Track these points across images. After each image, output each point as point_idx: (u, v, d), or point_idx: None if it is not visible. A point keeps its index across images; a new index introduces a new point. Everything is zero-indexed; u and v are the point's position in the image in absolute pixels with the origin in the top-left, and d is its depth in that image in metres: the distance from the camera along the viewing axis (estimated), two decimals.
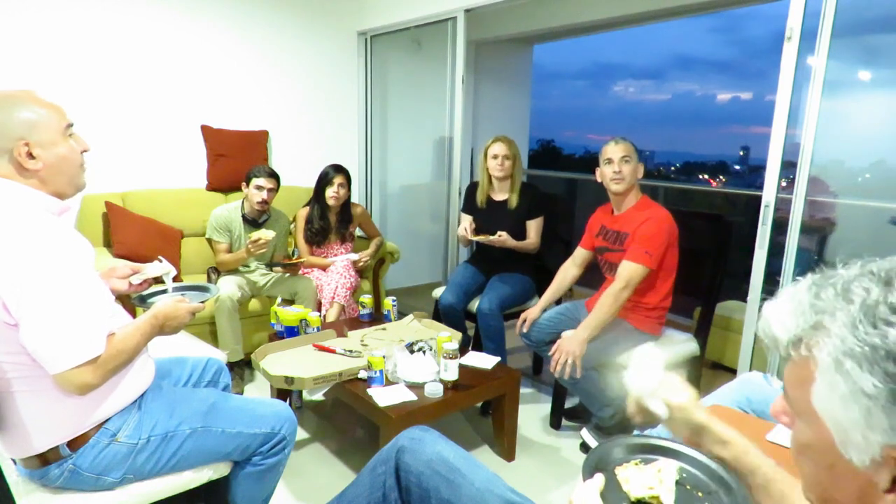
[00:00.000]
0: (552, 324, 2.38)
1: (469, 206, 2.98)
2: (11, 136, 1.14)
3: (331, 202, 3.07)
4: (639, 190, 2.29)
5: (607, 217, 2.37)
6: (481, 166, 2.87)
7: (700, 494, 0.79)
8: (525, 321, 2.42)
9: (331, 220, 3.15)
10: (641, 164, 2.26)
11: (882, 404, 0.49)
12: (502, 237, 2.67)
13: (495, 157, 2.77)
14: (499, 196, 2.88)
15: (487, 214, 2.86)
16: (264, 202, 2.89)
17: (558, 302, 2.60)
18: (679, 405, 0.89)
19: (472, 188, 2.99)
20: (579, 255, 2.50)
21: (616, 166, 2.21)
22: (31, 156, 1.16)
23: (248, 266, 3.02)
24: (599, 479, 0.74)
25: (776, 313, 0.59)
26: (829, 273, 0.58)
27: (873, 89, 2.29)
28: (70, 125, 1.23)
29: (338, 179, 3.05)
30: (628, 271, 2.13)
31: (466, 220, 2.91)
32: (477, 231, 2.80)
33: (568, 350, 2.10)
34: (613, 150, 2.23)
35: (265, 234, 2.71)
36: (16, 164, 1.15)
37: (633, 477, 0.79)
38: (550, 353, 2.17)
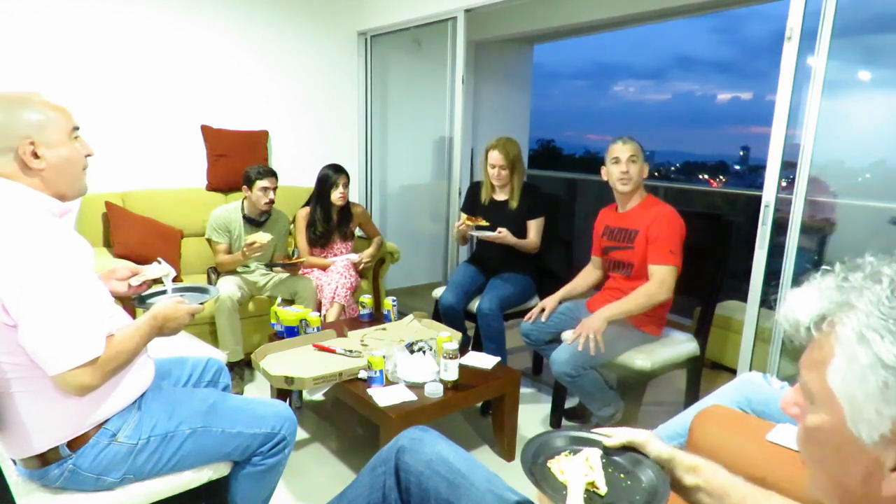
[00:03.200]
0: (553, 323, 2.39)
1: (470, 205, 2.97)
2: (18, 135, 1.15)
3: (339, 203, 3.10)
4: (643, 189, 2.30)
5: (612, 216, 2.37)
6: (482, 166, 2.86)
7: (622, 476, 0.87)
8: (542, 310, 2.40)
9: (333, 218, 3.16)
10: (647, 164, 2.26)
11: None
12: (502, 233, 2.66)
13: (493, 166, 2.77)
14: (500, 196, 2.88)
15: (489, 214, 2.85)
16: (271, 202, 2.90)
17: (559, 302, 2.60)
18: (640, 442, 0.89)
19: (475, 188, 2.98)
20: (597, 261, 2.51)
21: (624, 166, 2.21)
22: (35, 155, 1.17)
23: (248, 266, 3.02)
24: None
25: (800, 298, 0.60)
26: (857, 259, 0.59)
27: (873, 89, 2.29)
28: (76, 128, 1.25)
29: (342, 180, 3.08)
30: (661, 273, 2.14)
31: (464, 218, 2.89)
32: (478, 227, 2.77)
33: (589, 326, 2.11)
34: (621, 150, 2.22)
35: (261, 238, 2.71)
36: (20, 162, 1.16)
37: (567, 467, 0.85)
38: (570, 340, 2.16)
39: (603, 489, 0.83)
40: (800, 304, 0.60)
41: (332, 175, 3.08)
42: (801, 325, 0.59)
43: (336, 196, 3.07)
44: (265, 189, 2.85)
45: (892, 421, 0.51)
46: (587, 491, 0.82)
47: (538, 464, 0.88)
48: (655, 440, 0.89)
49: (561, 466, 0.86)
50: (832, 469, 0.59)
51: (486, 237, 2.70)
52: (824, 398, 0.57)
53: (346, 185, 3.11)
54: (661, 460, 0.87)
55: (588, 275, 2.53)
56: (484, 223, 2.72)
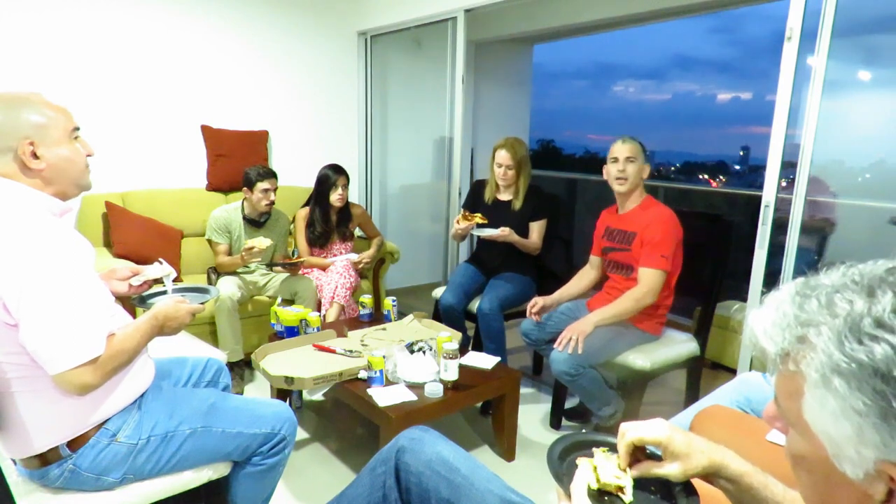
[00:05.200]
0: (553, 323, 2.38)
1: (472, 203, 2.96)
2: (17, 135, 1.15)
3: (337, 204, 3.10)
4: (643, 190, 2.29)
5: (612, 217, 2.37)
6: (489, 164, 2.85)
7: (652, 488, 0.84)
8: (537, 307, 2.36)
9: (333, 220, 3.16)
10: (647, 165, 2.25)
11: (873, 421, 0.48)
12: (505, 232, 2.66)
13: (500, 165, 2.77)
14: (504, 196, 2.87)
15: (491, 213, 2.84)
16: (271, 203, 2.91)
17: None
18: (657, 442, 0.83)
19: (479, 186, 2.97)
20: (595, 261, 2.50)
21: (620, 165, 2.22)
22: (35, 156, 1.17)
23: (249, 266, 3.02)
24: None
25: (762, 324, 0.58)
26: (812, 281, 0.57)
27: (873, 89, 2.29)
28: (76, 129, 1.25)
29: (341, 181, 3.08)
30: (649, 278, 2.14)
31: (460, 216, 2.86)
32: (479, 226, 2.76)
33: (576, 328, 2.11)
34: (620, 150, 2.23)
35: (259, 243, 2.71)
36: (20, 162, 1.17)
37: (601, 464, 0.83)
38: (556, 344, 2.15)
39: (628, 497, 0.80)
40: (762, 332, 0.58)
41: (331, 176, 3.08)
42: (768, 355, 0.57)
43: (335, 197, 3.07)
44: (266, 191, 2.86)
45: (875, 462, 0.50)
46: (609, 494, 0.80)
47: (572, 459, 0.86)
48: (679, 442, 0.81)
49: (596, 462, 0.83)
50: (824, 495, 0.58)
51: (490, 236, 2.69)
52: (804, 430, 0.55)
53: (346, 187, 3.11)
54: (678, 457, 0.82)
55: (582, 277, 2.52)
56: (481, 220, 2.71)
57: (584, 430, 0.96)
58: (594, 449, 0.87)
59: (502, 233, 2.65)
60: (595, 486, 0.81)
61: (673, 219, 2.18)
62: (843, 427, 0.50)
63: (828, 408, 0.51)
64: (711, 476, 0.82)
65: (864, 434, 0.49)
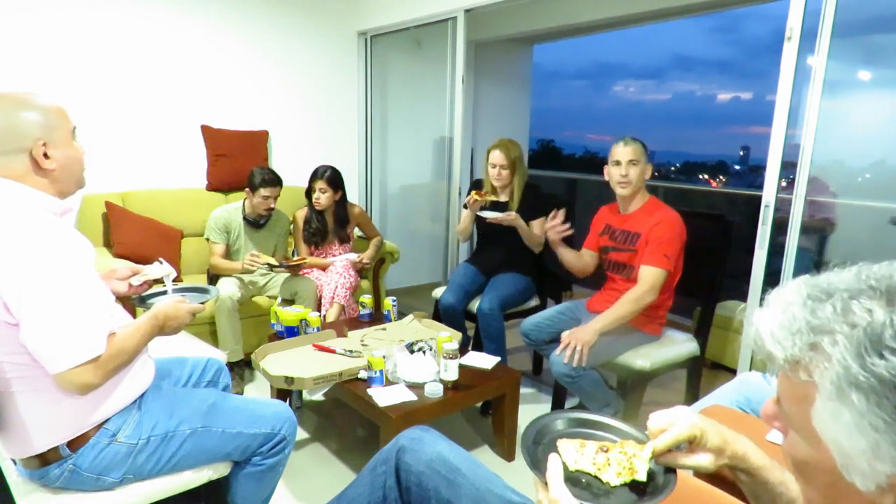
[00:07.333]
0: (552, 323, 2.38)
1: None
2: (32, 136, 1.17)
3: (316, 207, 3.09)
4: (646, 191, 2.28)
5: (614, 216, 2.36)
6: (484, 166, 2.86)
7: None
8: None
9: (327, 220, 3.15)
10: (650, 165, 2.23)
11: (892, 438, 0.47)
12: (511, 216, 2.64)
13: (493, 166, 2.77)
14: (501, 197, 2.87)
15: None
16: (270, 209, 2.92)
17: (558, 301, 2.59)
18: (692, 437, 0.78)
19: (478, 185, 2.97)
20: (586, 255, 2.48)
21: (623, 169, 2.19)
22: (46, 156, 1.19)
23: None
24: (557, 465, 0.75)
25: (768, 327, 0.55)
26: (822, 283, 0.54)
27: (873, 89, 2.29)
28: (75, 128, 1.27)
29: (318, 185, 3.06)
30: (651, 276, 2.11)
31: (473, 193, 2.80)
32: (484, 208, 2.74)
33: (578, 338, 2.07)
34: (622, 152, 2.19)
35: (265, 258, 2.78)
36: (33, 162, 1.18)
37: (615, 458, 0.80)
38: (558, 352, 2.12)
39: (615, 481, 0.78)
40: (769, 336, 0.55)
41: (310, 180, 3.10)
42: (776, 359, 0.55)
43: (314, 200, 3.08)
44: (266, 198, 2.86)
45: (888, 476, 0.48)
46: (589, 475, 0.78)
47: (542, 443, 0.84)
48: (711, 434, 0.77)
49: (610, 457, 0.80)
50: (826, 499, 0.56)
51: (497, 219, 2.67)
52: (810, 437, 0.53)
53: (325, 191, 3.06)
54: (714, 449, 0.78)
55: (582, 255, 2.46)
56: (494, 199, 2.71)
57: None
58: (610, 447, 0.82)
59: (508, 216, 2.65)
60: (573, 467, 0.79)
61: (679, 222, 2.17)
62: (858, 441, 0.48)
63: (842, 421, 0.49)
64: (730, 467, 0.79)
65: (881, 449, 0.47)
